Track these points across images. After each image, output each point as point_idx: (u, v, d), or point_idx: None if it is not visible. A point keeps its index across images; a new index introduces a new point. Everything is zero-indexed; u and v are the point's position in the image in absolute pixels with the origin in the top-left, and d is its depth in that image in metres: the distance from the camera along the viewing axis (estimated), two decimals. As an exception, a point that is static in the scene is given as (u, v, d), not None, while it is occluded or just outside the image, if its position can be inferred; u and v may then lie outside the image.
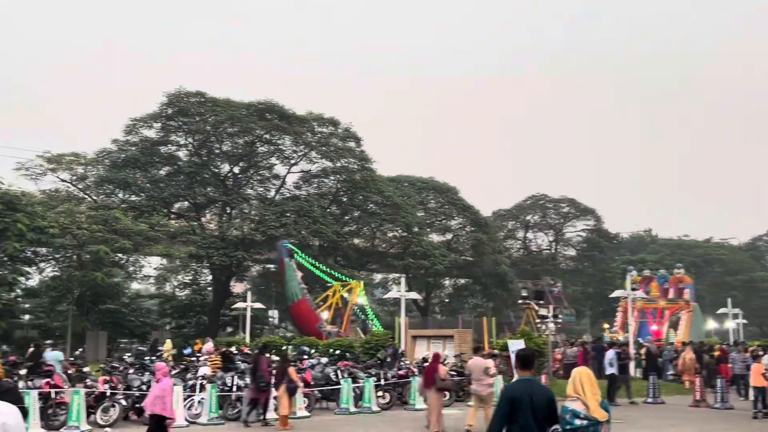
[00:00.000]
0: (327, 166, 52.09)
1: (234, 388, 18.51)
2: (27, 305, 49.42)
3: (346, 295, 41.62)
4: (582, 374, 6.34)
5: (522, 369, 6.57)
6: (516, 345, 22.72)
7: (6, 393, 7.98)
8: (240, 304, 38.08)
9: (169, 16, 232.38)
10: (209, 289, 51.56)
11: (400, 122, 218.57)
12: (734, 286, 68.18)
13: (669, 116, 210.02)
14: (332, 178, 52.92)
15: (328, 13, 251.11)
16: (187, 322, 51.09)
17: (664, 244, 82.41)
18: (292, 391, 16.47)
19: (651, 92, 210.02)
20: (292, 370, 16.90)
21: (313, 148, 50.62)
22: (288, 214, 46.42)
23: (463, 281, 66.62)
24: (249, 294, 38.16)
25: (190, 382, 18.77)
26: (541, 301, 47.39)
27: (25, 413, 11.30)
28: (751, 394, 19.27)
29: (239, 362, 22.61)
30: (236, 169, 51.11)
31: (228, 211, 50.07)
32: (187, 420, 17.25)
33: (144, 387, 17.39)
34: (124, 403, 17.17)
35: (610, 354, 22.38)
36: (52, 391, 16.40)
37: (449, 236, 61.87)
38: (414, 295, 35.83)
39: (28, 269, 41.87)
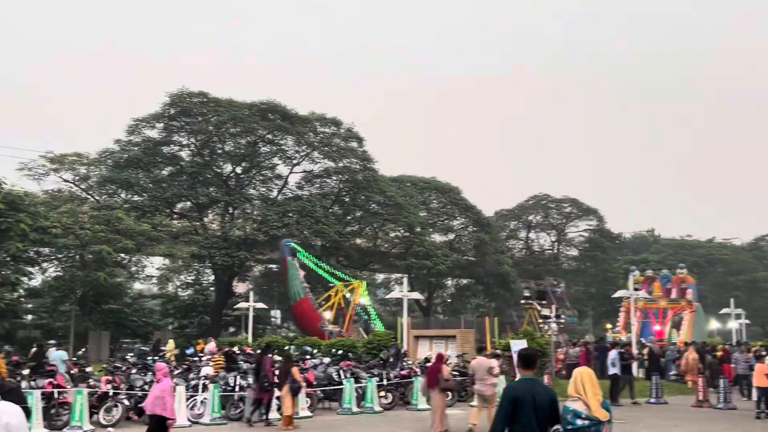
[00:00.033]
0: (329, 166, 52.12)
1: (237, 388, 18.51)
2: (30, 305, 49.51)
3: (348, 295, 41.64)
4: (583, 374, 6.33)
5: (524, 368, 6.56)
6: (518, 345, 22.68)
7: (9, 393, 8.00)
8: (242, 304, 38.11)
9: (169, 16, 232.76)
10: (212, 289, 51.60)
11: (400, 122, 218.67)
12: (737, 286, 68.13)
13: (669, 116, 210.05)
14: (334, 178, 52.95)
15: (328, 13, 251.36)
16: (190, 322, 51.13)
17: (666, 244, 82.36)
18: (295, 391, 16.46)
19: (651, 92, 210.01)
20: (295, 370, 16.89)
21: (316, 148, 50.64)
22: (290, 214, 46.45)
23: (465, 281, 66.57)
24: (251, 294, 38.22)
25: (193, 382, 18.76)
26: (544, 301, 47.61)
27: (28, 413, 11.30)
28: (754, 394, 19.24)
29: (242, 362, 22.62)
30: (239, 169, 51.14)
31: (230, 211, 50.11)
32: (189, 420, 17.25)
33: (147, 387, 17.38)
34: (126, 403, 17.17)
35: (612, 354, 22.35)
36: (55, 391, 16.41)
37: (451, 236, 61.84)
38: (416, 295, 35.81)
39: (30, 269, 41.93)
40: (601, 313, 66.64)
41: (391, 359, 24.29)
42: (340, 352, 27.30)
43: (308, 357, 25.51)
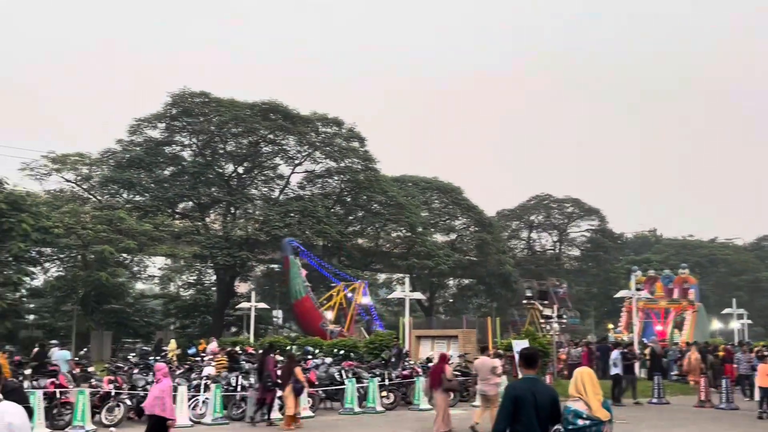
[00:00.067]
0: (331, 166, 52.14)
1: (239, 388, 18.51)
2: (32, 305, 49.58)
3: (350, 294, 41.67)
4: (583, 374, 6.33)
5: (526, 368, 6.56)
6: (520, 345, 22.68)
7: (11, 393, 8.00)
8: (244, 304, 38.13)
9: (169, 16, 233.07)
10: (213, 289, 51.64)
11: (400, 122, 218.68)
12: (739, 286, 68.07)
13: (669, 116, 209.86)
14: (336, 178, 52.97)
15: (328, 13, 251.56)
16: (192, 322, 51.18)
17: (668, 244, 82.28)
18: (298, 391, 16.44)
19: (651, 92, 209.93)
20: (298, 370, 16.88)
21: (317, 148, 50.66)
22: (292, 214, 46.47)
23: (467, 281, 66.59)
24: (253, 294, 38.25)
25: (195, 382, 18.77)
26: (546, 301, 47.57)
27: (30, 413, 11.31)
28: (757, 394, 19.21)
29: (244, 362, 22.63)
30: (240, 169, 51.18)
31: (232, 211, 50.14)
32: (191, 420, 17.25)
33: (149, 387, 17.38)
34: (128, 403, 17.18)
35: (614, 354, 22.34)
36: (57, 390, 16.43)
37: (453, 236, 61.84)
38: (418, 295, 35.84)
39: (32, 269, 42.01)
40: (603, 313, 66.60)
41: (393, 359, 24.29)
42: (341, 352, 27.31)
43: (310, 357, 25.52)
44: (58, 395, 16.34)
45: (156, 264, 55.21)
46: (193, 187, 47.39)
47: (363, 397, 19.68)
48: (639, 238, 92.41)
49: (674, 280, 44.20)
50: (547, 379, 22.77)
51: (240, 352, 25.83)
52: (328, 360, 23.80)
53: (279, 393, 17.08)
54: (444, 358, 16.18)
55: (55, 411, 16.04)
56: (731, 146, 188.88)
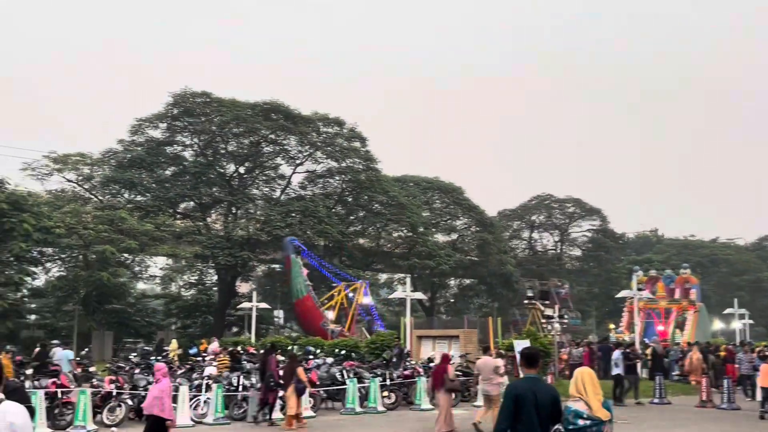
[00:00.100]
0: (332, 166, 52.15)
1: (240, 388, 18.52)
2: (33, 305, 49.60)
3: (351, 294, 41.67)
4: (584, 374, 6.34)
5: (527, 367, 6.56)
6: (522, 345, 22.68)
7: (13, 393, 8.00)
8: (245, 304, 38.15)
9: (169, 16, 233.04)
10: (215, 289, 51.65)
11: (400, 122, 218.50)
12: (740, 286, 67.99)
13: (669, 116, 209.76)
14: (337, 178, 52.98)
15: (328, 13, 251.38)
16: (193, 322, 51.19)
17: (670, 244, 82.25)
18: (300, 391, 16.44)
19: (651, 92, 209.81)
20: (300, 370, 16.88)
21: (319, 148, 50.67)
22: (293, 214, 46.48)
23: (468, 281, 66.60)
24: (254, 294, 38.27)
25: (196, 382, 18.79)
26: (547, 302, 47.58)
27: (31, 413, 11.32)
28: (759, 394, 19.20)
29: (245, 362, 22.64)
30: (242, 169, 51.20)
31: (233, 211, 50.16)
32: (193, 420, 17.26)
33: (150, 387, 17.40)
34: (130, 402, 17.19)
35: (615, 354, 22.32)
36: (59, 390, 16.44)
37: (454, 236, 61.84)
38: (419, 295, 35.82)
39: (34, 269, 42.04)
40: (605, 313, 66.59)
41: (394, 359, 24.28)
42: (343, 352, 27.32)
43: (311, 357, 25.53)
44: (59, 395, 16.35)
45: (157, 264, 55.28)
46: (194, 187, 47.41)
47: (364, 397, 19.68)
48: (640, 238, 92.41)
49: (676, 280, 44.19)
50: (549, 379, 22.77)
51: (241, 351, 25.84)
52: (330, 360, 23.80)
53: (281, 393, 17.08)
54: (446, 359, 16.18)
55: (56, 411, 16.06)
56: (731, 146, 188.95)
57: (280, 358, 21.04)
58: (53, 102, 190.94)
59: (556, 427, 6.18)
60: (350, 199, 54.33)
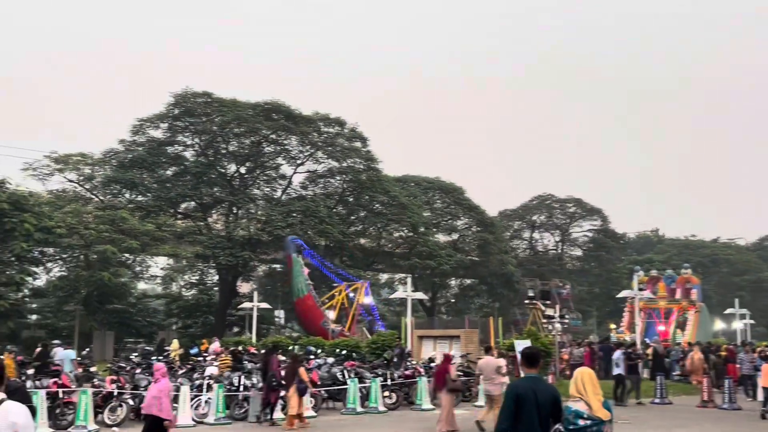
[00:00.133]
0: (333, 166, 52.13)
1: (241, 388, 18.53)
2: (34, 305, 49.65)
3: (352, 294, 41.66)
4: (584, 374, 6.35)
5: (528, 367, 6.57)
6: (523, 345, 22.68)
7: (14, 392, 8.01)
8: (246, 304, 38.16)
9: (169, 16, 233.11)
10: (216, 289, 51.68)
11: (400, 122, 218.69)
12: (741, 286, 67.92)
13: (669, 116, 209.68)
14: (338, 178, 52.97)
15: (328, 13, 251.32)
16: (194, 322, 51.20)
17: (671, 244, 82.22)
18: (302, 391, 16.46)
19: (651, 92, 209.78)
20: (302, 370, 16.90)
21: (320, 148, 50.67)
22: (294, 214, 46.48)
23: (469, 281, 66.57)
24: (255, 294, 38.24)
25: (197, 382, 18.80)
26: (548, 302, 47.51)
27: (33, 412, 11.33)
28: (760, 394, 19.20)
29: (246, 362, 22.64)
30: (243, 170, 51.20)
31: (234, 211, 50.17)
32: (194, 420, 17.26)
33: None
34: (131, 402, 17.19)
35: (616, 354, 22.32)
36: (60, 390, 16.46)
37: (455, 236, 61.82)
38: (420, 295, 35.82)
39: (35, 269, 42.06)
40: (606, 313, 66.51)
41: (395, 359, 24.28)
42: (344, 352, 27.32)
43: (312, 357, 25.53)
44: (60, 395, 16.37)
45: (158, 264, 55.31)
46: (195, 187, 47.42)
47: (365, 397, 19.69)
48: (641, 238, 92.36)
49: (677, 280, 44.17)
50: (550, 378, 22.78)
51: (242, 351, 25.85)
52: (331, 360, 23.80)
53: (282, 393, 17.09)
54: (448, 359, 16.21)
55: (57, 411, 16.07)
56: (731, 146, 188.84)
57: (282, 358, 21.04)
58: (53, 102, 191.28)
59: (556, 426, 6.19)
60: (351, 199, 54.32)
